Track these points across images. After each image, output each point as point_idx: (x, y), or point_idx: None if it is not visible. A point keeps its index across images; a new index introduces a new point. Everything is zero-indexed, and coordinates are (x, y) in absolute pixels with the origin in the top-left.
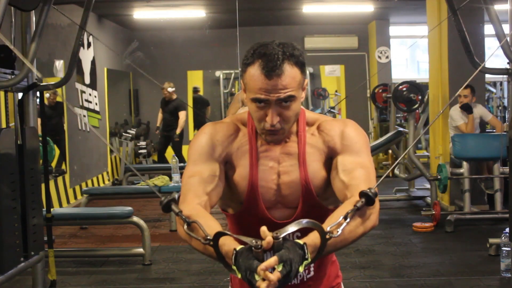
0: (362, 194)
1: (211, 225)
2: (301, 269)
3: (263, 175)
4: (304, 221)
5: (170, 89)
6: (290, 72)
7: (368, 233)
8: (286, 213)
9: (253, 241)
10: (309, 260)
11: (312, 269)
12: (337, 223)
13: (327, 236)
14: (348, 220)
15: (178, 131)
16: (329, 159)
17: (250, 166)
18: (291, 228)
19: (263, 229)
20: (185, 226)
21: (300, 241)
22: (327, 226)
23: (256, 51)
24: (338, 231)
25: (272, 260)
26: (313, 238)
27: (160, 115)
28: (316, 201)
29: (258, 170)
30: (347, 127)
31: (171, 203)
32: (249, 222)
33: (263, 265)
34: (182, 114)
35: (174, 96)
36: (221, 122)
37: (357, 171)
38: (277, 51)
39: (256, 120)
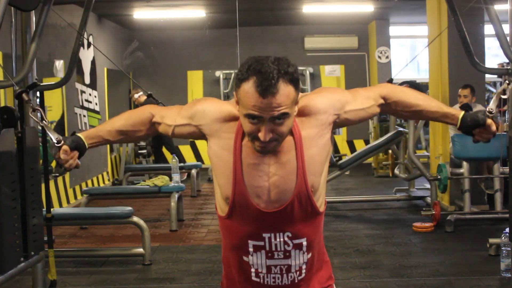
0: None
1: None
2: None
3: (248, 171)
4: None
5: (136, 95)
6: (284, 91)
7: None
8: (276, 205)
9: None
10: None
11: (304, 270)
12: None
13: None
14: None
15: None
16: (327, 132)
17: (234, 163)
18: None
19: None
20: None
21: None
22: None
23: (251, 67)
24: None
25: None
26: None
27: None
28: (309, 192)
29: (243, 169)
30: (324, 92)
31: (22, 92)
32: (241, 222)
33: None
34: None
35: (143, 98)
36: (221, 103)
37: (365, 92)
38: (272, 69)
39: (248, 134)
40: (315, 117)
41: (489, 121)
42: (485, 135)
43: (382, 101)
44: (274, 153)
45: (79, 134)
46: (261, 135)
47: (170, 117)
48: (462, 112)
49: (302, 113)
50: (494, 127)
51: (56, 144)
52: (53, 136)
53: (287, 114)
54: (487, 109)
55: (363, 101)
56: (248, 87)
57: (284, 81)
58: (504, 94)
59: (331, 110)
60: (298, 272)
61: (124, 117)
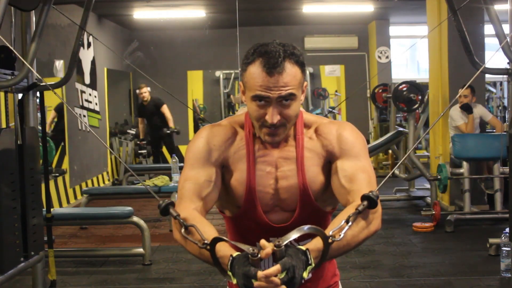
0: (364, 197)
1: (207, 230)
2: (305, 275)
3: (260, 179)
4: (306, 227)
5: (145, 91)
6: (291, 70)
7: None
8: (283, 217)
9: (250, 249)
10: (313, 265)
11: None
12: (339, 227)
13: (330, 240)
14: (350, 223)
15: (171, 124)
16: (328, 163)
17: (248, 170)
18: (293, 235)
19: (263, 242)
20: (183, 230)
21: (303, 247)
22: (329, 230)
23: (257, 50)
24: (340, 235)
25: (274, 268)
26: (315, 243)
27: (141, 126)
28: (314, 205)
29: (256, 174)
30: (345, 130)
31: (169, 206)
32: (247, 225)
33: (263, 273)
34: (165, 108)
35: (149, 96)
36: (219, 125)
37: (358, 176)
38: (278, 49)
39: (256, 119)
40: (322, 145)
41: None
42: None
43: (346, 200)
44: (279, 145)
45: (216, 237)
46: (268, 117)
47: (196, 190)
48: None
49: (313, 132)
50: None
51: (252, 257)
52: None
53: (294, 95)
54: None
55: (351, 177)
56: (255, 68)
57: (291, 61)
58: None
59: (334, 153)
60: None
61: (198, 219)
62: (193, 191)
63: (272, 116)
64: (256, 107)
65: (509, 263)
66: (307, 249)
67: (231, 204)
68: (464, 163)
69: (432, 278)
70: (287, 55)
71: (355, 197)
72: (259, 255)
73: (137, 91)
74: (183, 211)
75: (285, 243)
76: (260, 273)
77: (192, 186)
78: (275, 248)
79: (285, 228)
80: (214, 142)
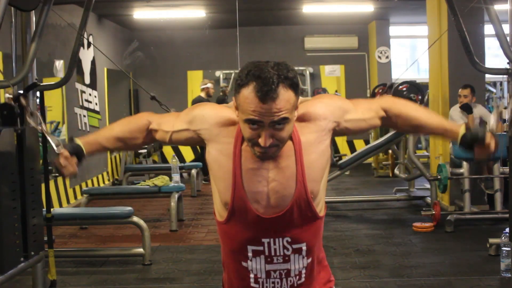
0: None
1: (98, 134)
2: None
3: (248, 176)
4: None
5: (211, 85)
6: (284, 96)
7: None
8: (275, 211)
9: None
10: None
11: (303, 275)
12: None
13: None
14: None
15: None
16: (327, 138)
17: (234, 168)
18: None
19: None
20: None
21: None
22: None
23: (251, 72)
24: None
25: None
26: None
27: None
28: (309, 198)
29: (242, 174)
30: (325, 98)
31: (19, 95)
32: (237, 225)
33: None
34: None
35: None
36: (220, 108)
37: (362, 106)
38: (272, 74)
39: (248, 140)
40: (315, 122)
41: (488, 139)
42: (484, 154)
43: (383, 113)
44: (274, 158)
45: (77, 141)
46: (261, 140)
47: (167, 124)
48: (463, 129)
49: (302, 119)
50: (493, 146)
51: (56, 150)
52: (53, 142)
53: (287, 119)
54: (489, 127)
55: (364, 111)
56: (248, 92)
57: (284, 86)
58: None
59: (331, 117)
60: (297, 277)
61: (122, 123)
62: (162, 118)
63: (265, 140)
64: (249, 129)
65: (509, 263)
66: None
67: (222, 201)
68: (464, 163)
69: (432, 278)
70: (281, 80)
71: (392, 105)
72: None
73: (203, 85)
74: (138, 116)
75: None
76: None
77: (166, 117)
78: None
79: (277, 219)
80: (209, 120)
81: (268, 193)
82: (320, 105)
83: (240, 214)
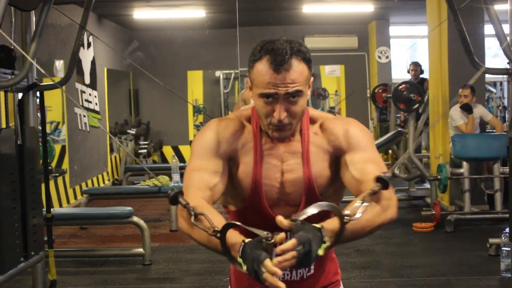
0: (378, 179)
1: (216, 218)
2: (320, 252)
3: (266, 172)
4: (324, 203)
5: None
6: (298, 67)
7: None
8: (288, 211)
9: (265, 232)
10: (328, 243)
11: (312, 266)
12: (355, 206)
13: (345, 220)
14: (365, 203)
15: None
16: (335, 159)
17: (254, 163)
18: (310, 210)
19: (279, 218)
20: (192, 218)
21: (317, 225)
22: (345, 211)
23: (264, 47)
24: (356, 215)
25: (290, 242)
26: (331, 222)
27: None
28: (319, 199)
29: (262, 168)
30: (350, 125)
31: (178, 195)
32: (251, 218)
33: (279, 248)
34: None
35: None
36: (227, 119)
37: (368, 166)
38: (285, 46)
39: (263, 116)
40: (328, 138)
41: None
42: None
43: (359, 190)
44: (286, 140)
45: (228, 223)
46: (276, 113)
47: (201, 180)
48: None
49: (319, 126)
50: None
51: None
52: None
53: (301, 91)
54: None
55: (361, 168)
56: (262, 65)
57: (297, 58)
58: None
59: (344, 145)
60: (307, 269)
61: (206, 208)
62: (201, 181)
63: (280, 113)
64: (264, 104)
65: (509, 263)
66: (322, 225)
67: (236, 197)
68: (464, 163)
69: (432, 278)
70: (294, 52)
71: (368, 186)
72: (273, 240)
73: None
74: (192, 200)
75: (301, 218)
76: (277, 249)
77: (200, 176)
78: (291, 223)
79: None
80: (223, 134)
81: (281, 188)
82: (344, 129)
83: (254, 209)
